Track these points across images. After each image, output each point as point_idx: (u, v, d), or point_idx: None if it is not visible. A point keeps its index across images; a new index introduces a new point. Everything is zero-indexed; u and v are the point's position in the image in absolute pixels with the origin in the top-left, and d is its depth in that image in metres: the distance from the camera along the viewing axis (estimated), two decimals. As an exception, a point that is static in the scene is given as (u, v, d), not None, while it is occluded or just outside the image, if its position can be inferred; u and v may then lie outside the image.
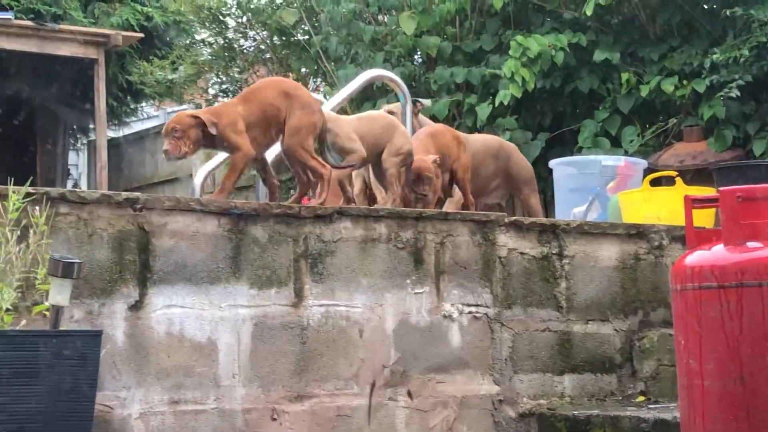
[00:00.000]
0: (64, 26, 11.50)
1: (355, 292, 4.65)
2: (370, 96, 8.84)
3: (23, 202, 2.98)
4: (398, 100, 6.10)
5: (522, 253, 5.07)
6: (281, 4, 10.43)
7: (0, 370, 2.62)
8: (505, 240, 5.03)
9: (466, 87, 8.59)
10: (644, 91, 7.84)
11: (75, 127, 14.69)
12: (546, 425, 4.86)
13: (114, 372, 4.11)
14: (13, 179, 3.59)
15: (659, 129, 8.03)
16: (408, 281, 4.77)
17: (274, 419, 4.44)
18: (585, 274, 5.22)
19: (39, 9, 12.19)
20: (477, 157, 6.15)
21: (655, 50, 8.14)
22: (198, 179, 5.90)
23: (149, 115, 17.27)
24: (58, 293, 2.81)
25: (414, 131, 6.12)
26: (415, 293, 4.79)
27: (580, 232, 5.23)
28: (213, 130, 4.71)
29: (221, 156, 6.34)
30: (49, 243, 3.49)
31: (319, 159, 4.96)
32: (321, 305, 4.58)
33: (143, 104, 14.78)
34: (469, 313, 4.91)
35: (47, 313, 2.90)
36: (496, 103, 7.98)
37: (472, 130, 8.34)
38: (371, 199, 5.76)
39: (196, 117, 4.73)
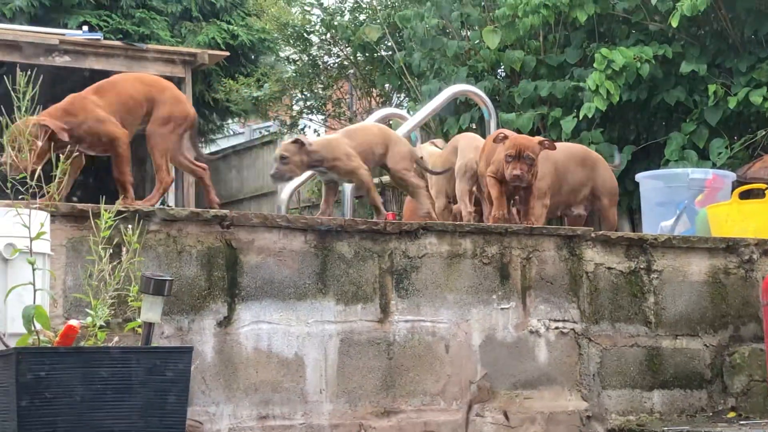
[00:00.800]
0: (151, 46, 11.71)
1: (441, 307, 4.65)
2: (453, 110, 8.84)
3: (115, 220, 3.03)
4: (482, 115, 6.11)
5: (609, 268, 5.03)
6: (365, 20, 10.49)
7: (94, 385, 2.67)
8: (592, 255, 5.00)
9: (550, 100, 8.55)
10: (732, 102, 7.73)
11: (163, 144, 14.89)
12: (635, 442, 4.81)
13: (203, 387, 4.16)
14: (104, 198, 3.66)
15: (748, 141, 7.91)
16: (494, 296, 4.76)
17: (361, 435, 4.45)
18: (674, 289, 5.16)
19: (127, 29, 12.42)
20: (560, 165, 6.02)
21: (742, 61, 8.03)
22: (284, 196, 5.95)
23: (235, 132, 17.48)
24: (150, 310, 2.86)
25: None
26: (501, 309, 4.77)
27: (669, 246, 5.17)
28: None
29: (307, 173, 6.38)
30: (141, 261, 3.54)
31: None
32: (407, 321, 4.58)
33: (229, 121, 14.97)
34: (556, 328, 4.87)
35: (139, 329, 2.95)
36: (581, 117, 7.93)
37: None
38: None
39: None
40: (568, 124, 8.09)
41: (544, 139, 5.32)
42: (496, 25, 8.53)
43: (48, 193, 3.03)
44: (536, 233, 4.90)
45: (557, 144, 6.42)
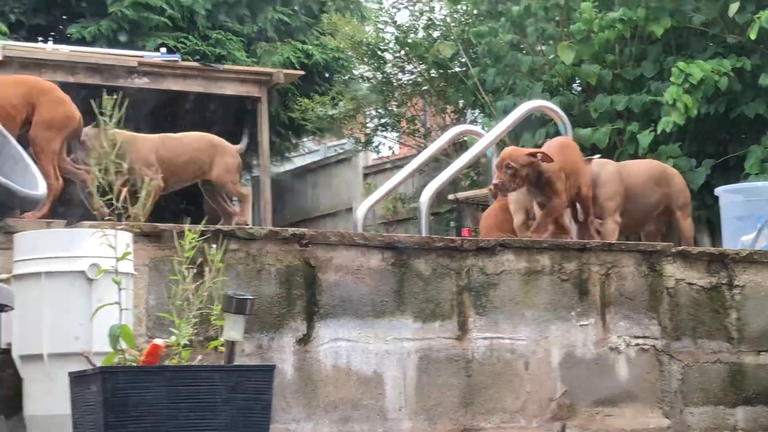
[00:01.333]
0: (227, 66, 11.83)
1: (519, 324, 4.63)
2: (528, 126, 8.81)
3: (199, 240, 3.08)
4: (557, 130, 6.08)
5: (690, 284, 4.98)
6: (438, 37, 10.51)
7: (179, 404, 2.71)
8: (672, 270, 4.95)
9: (627, 115, 8.49)
10: (813, 114, 7.63)
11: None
12: (718, 460, 4.75)
13: (284, 404, 4.19)
14: (189, 219, 3.71)
15: (829, 153, 7.79)
16: (573, 313, 4.73)
17: (441, 452, 4.45)
18: (756, 304, 5.09)
19: (204, 50, 12.58)
20: (639, 185, 6.01)
21: (823, 72, 7.91)
22: (360, 213, 5.97)
23: (310, 150, 17.59)
24: (233, 329, 2.89)
25: None
26: (581, 325, 4.74)
27: (750, 261, 5.10)
28: None
29: (383, 190, 6.41)
30: (225, 279, 3.59)
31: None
32: (485, 338, 4.57)
33: (304, 139, 15.07)
34: (636, 345, 4.83)
35: (221, 348, 2.99)
36: (658, 131, 7.86)
37: (634, 157, 8.22)
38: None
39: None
40: (645, 138, 8.03)
41: (537, 150, 5.29)
42: (572, 40, 8.49)
43: (132, 214, 3.09)
44: (615, 249, 4.87)
45: (634, 162, 6.38)
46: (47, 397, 3.60)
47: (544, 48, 9.27)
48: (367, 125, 12.19)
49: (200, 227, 3.86)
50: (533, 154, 5.17)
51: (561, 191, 5.24)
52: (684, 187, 6.37)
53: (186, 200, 13.48)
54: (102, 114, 3.27)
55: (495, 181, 5.18)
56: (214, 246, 3.11)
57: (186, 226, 3.71)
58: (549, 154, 5.18)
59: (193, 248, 3.03)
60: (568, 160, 5.39)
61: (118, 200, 3.19)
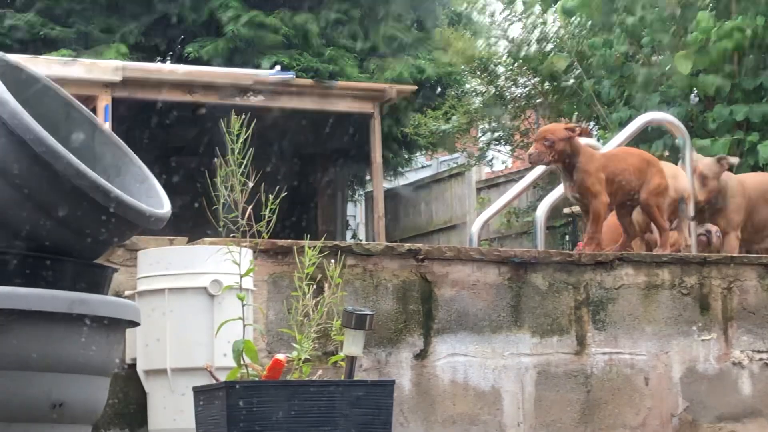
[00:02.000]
0: (341, 83, 11.95)
1: (639, 339, 4.58)
2: (645, 138, 8.70)
3: (319, 258, 3.11)
4: (674, 142, 5.99)
5: (815, 297, 4.86)
6: (552, 50, 10.45)
7: (302, 417, 2.74)
8: (796, 283, 4.84)
9: (746, 125, 8.32)
10: None
11: (353, 179, 15.17)
12: None
13: (401, 419, 4.20)
14: (294, 236, 3.75)
15: None
16: (694, 328, 4.66)
17: (560, 468, 4.41)
18: None
19: (317, 67, 12.71)
20: (754, 199, 5.91)
21: None
22: (475, 228, 5.96)
23: (423, 165, 17.63)
24: (352, 344, 2.92)
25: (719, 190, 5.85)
26: (702, 340, 4.66)
27: None
28: None
29: (498, 204, 6.39)
30: (344, 295, 3.63)
31: None
32: (604, 353, 4.53)
33: (417, 154, 15.11)
34: (760, 359, 4.73)
35: (341, 363, 3.02)
36: (779, 141, 7.70)
37: (755, 169, 8.06)
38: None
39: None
40: (766, 148, 7.86)
41: (575, 125, 5.07)
42: (689, 50, 8.36)
43: (257, 231, 3.14)
44: (737, 262, 4.78)
45: (749, 175, 6.25)
46: (171, 412, 3.67)
47: (659, 59, 9.15)
48: (480, 139, 12.17)
49: (320, 243, 3.91)
50: (571, 129, 5.00)
51: (599, 191, 4.92)
52: None
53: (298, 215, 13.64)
54: (229, 134, 3.33)
55: (530, 150, 5.01)
56: (333, 261, 3.13)
57: (305, 242, 3.75)
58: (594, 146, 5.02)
59: (313, 264, 3.07)
60: (618, 164, 5.12)
61: (243, 217, 3.25)
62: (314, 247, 3.16)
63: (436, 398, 4.28)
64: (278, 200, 3.08)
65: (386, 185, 15.07)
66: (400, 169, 15.06)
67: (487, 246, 12.10)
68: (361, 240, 16.01)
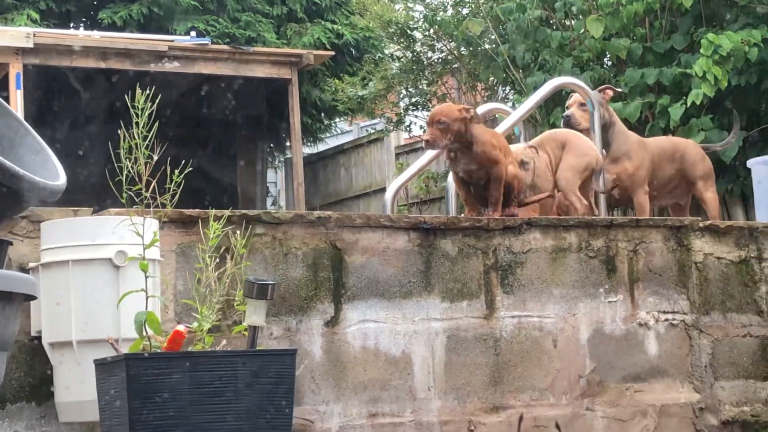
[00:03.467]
0: (258, 48, 11.86)
1: (547, 302, 4.64)
2: (559, 102, 8.78)
3: (227, 228, 3.11)
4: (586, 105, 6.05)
5: (719, 258, 4.96)
6: (467, 15, 10.47)
7: (202, 389, 2.74)
8: (701, 245, 4.93)
9: (658, 88, 8.42)
10: None
11: (272, 145, 15.11)
12: (750, 433, 4.74)
13: (313, 387, 4.22)
14: (214, 203, 3.74)
15: None
16: (601, 290, 4.73)
17: (471, 431, 4.46)
18: (786, 277, 5.07)
19: (234, 33, 12.60)
20: (655, 162, 6.11)
21: None
22: (388, 194, 5.98)
23: (343, 131, 17.61)
24: (254, 314, 2.92)
25: (605, 123, 6.04)
26: (609, 302, 4.74)
27: (780, 233, 5.08)
28: None
29: (413, 168, 6.41)
30: (248, 265, 3.62)
31: None
32: (513, 316, 4.58)
33: (336, 120, 15.08)
34: (665, 320, 4.82)
35: (245, 332, 3.02)
36: (689, 103, 7.80)
37: (665, 131, 8.17)
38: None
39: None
40: (677, 111, 7.96)
41: (464, 106, 4.91)
42: (600, 13, 8.43)
43: (162, 203, 3.13)
44: (643, 225, 4.85)
45: (652, 139, 6.40)
46: (76, 384, 3.64)
47: (573, 23, 9.22)
48: (398, 105, 12.18)
49: (227, 213, 3.89)
50: (465, 110, 4.87)
51: (499, 158, 4.84)
52: (701, 158, 6.39)
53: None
54: (133, 107, 3.31)
55: (425, 137, 4.96)
56: (238, 232, 3.13)
57: (212, 212, 3.74)
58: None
59: (217, 236, 3.06)
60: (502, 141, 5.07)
61: (147, 189, 3.23)
62: (220, 218, 3.15)
63: (347, 365, 4.30)
64: (184, 173, 3.06)
65: (306, 151, 15.04)
66: (320, 135, 15.03)
67: (406, 211, 12.15)
68: (281, 206, 15.97)
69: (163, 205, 3.10)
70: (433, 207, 12.26)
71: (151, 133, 3.25)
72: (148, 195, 3.27)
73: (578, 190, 5.51)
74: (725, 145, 7.50)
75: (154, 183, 3.27)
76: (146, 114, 3.25)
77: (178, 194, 3.32)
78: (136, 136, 3.25)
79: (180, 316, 3.98)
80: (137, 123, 3.24)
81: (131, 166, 3.22)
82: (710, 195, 6.37)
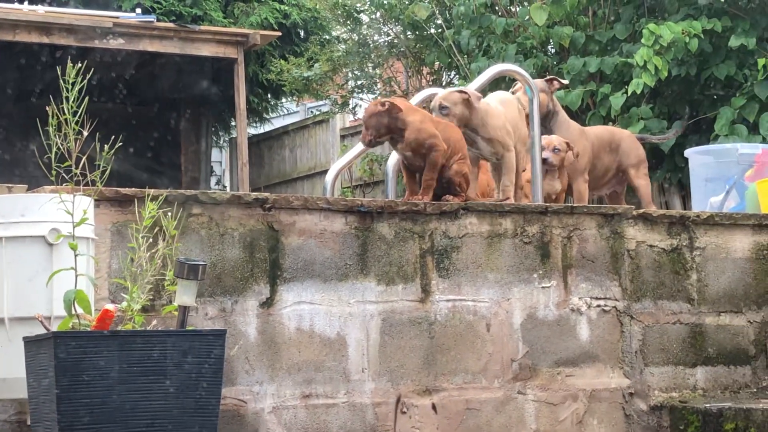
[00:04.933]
0: (204, 27, 11.82)
1: (482, 287, 4.69)
2: (502, 88, 8.83)
3: (166, 208, 3.12)
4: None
5: (651, 246, 5.04)
6: (414, -1, 10.49)
7: (130, 368, 2.76)
8: (634, 233, 5.00)
9: (599, 77, 8.51)
10: (783, 76, 7.66)
11: (217, 125, 15.06)
12: (678, 418, 4.82)
13: (247, 367, 4.24)
14: (156, 182, 3.74)
15: (799, 114, 7.83)
16: (535, 275, 4.79)
17: (404, 412, 4.51)
18: (716, 266, 5.16)
19: (180, 11, 12.53)
20: (594, 151, 6.22)
21: (793, 34, 7.94)
22: (329, 176, 5.99)
23: (289, 111, 17.57)
24: (185, 294, 2.93)
25: (549, 112, 6.13)
26: (542, 287, 4.80)
27: (711, 223, 5.16)
28: None
29: (354, 152, 6.43)
30: (179, 246, 3.62)
31: None
32: (448, 300, 4.63)
33: (282, 101, 15.05)
34: (598, 306, 4.89)
35: (175, 312, 3.03)
36: (629, 93, 7.90)
37: (606, 119, 8.27)
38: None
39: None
40: (618, 100, 8.06)
41: (391, 100, 4.90)
42: (544, 1, 8.50)
43: (92, 180, 3.12)
44: (577, 212, 4.91)
45: (591, 128, 6.52)
46: (8, 361, 3.62)
47: (518, 9, 9.28)
48: (344, 87, 12.18)
49: (165, 193, 3.89)
50: (383, 104, 4.85)
51: (433, 144, 4.81)
52: (635, 146, 6.49)
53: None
54: (64, 81, 3.29)
55: (361, 139, 4.93)
56: (170, 214, 3.14)
57: (148, 191, 3.74)
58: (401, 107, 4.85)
59: (152, 217, 3.07)
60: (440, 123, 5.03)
61: (77, 166, 3.22)
62: (156, 197, 3.16)
63: (281, 346, 4.33)
64: (113, 150, 3.06)
65: (252, 131, 15.00)
66: (266, 115, 15.00)
67: (350, 193, 12.18)
68: (225, 186, 15.92)
69: (93, 183, 3.10)
70: (376, 190, 12.29)
71: (82, 108, 3.24)
72: (77, 172, 3.26)
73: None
74: (663, 139, 7.62)
75: (84, 159, 3.26)
76: (76, 89, 3.23)
77: (108, 171, 3.32)
78: (66, 112, 3.24)
79: (114, 295, 3.97)
80: (67, 98, 3.22)
81: (61, 143, 3.21)
82: (642, 182, 6.47)
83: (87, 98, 3.19)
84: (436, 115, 5.15)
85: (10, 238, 3.68)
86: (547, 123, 6.13)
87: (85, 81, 3.35)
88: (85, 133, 3.24)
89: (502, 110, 5.42)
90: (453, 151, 4.90)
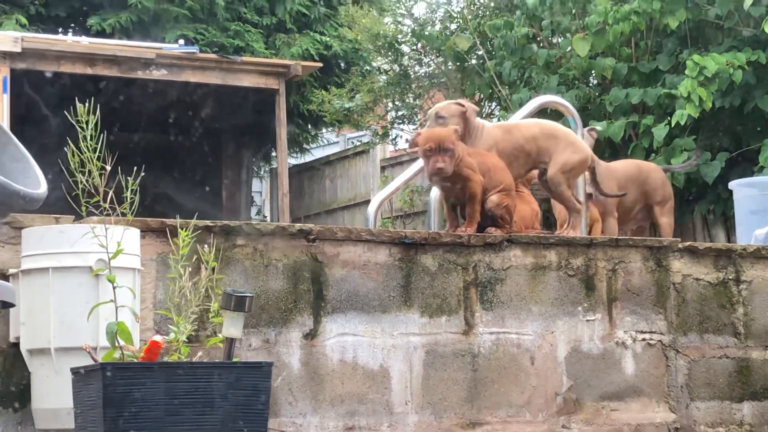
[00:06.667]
0: (246, 58, 11.89)
1: (526, 319, 4.66)
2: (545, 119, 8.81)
3: (193, 238, 3.12)
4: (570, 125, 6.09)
5: (697, 279, 4.99)
6: (455, 30, 10.51)
7: (177, 399, 2.76)
8: (679, 266, 4.96)
9: (642, 108, 8.48)
10: (827, 107, 7.59)
11: (258, 155, 15.12)
12: (724, 454, 4.76)
13: (290, 399, 4.23)
14: (198, 212, 3.75)
15: (844, 146, 7.75)
16: (579, 308, 4.76)
17: (447, 446, 4.48)
18: (763, 300, 5.10)
19: (222, 42, 12.62)
20: (620, 186, 6.13)
21: (838, 65, 7.87)
22: (371, 208, 6.00)
23: (329, 142, 17.63)
24: (231, 326, 2.93)
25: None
26: (587, 320, 4.76)
27: (758, 256, 5.11)
28: None
29: (396, 183, 6.44)
30: (221, 278, 3.62)
31: None
32: (491, 333, 4.60)
33: (323, 131, 15.10)
34: (643, 340, 4.85)
35: (221, 344, 3.03)
36: (673, 124, 7.85)
37: (648, 151, 8.22)
38: None
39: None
40: (660, 131, 8.02)
41: (457, 128, 4.87)
42: (587, 32, 8.49)
43: (121, 212, 3.13)
44: (622, 245, 4.88)
45: (615, 163, 6.44)
46: (54, 391, 3.65)
47: (560, 41, 9.27)
48: (385, 117, 12.21)
49: (207, 223, 3.91)
50: (456, 132, 4.82)
51: (470, 176, 4.80)
52: (662, 183, 6.42)
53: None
54: (78, 123, 3.30)
55: (439, 165, 4.76)
56: (206, 246, 3.14)
57: (193, 222, 3.75)
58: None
59: (187, 245, 3.07)
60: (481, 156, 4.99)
61: (105, 200, 3.23)
62: (188, 227, 3.16)
63: (324, 377, 4.32)
64: (137, 180, 3.07)
65: (292, 161, 15.06)
66: (306, 145, 15.05)
67: (390, 224, 12.17)
68: (266, 216, 15.97)
69: (123, 215, 3.11)
70: (417, 220, 12.28)
71: (100, 144, 3.24)
72: (107, 206, 3.26)
73: None
74: (685, 167, 7.55)
75: (111, 193, 3.26)
76: (91, 126, 3.23)
77: (136, 202, 3.32)
78: (86, 150, 3.24)
79: (159, 325, 3.99)
80: (84, 137, 3.22)
81: (87, 180, 3.21)
82: (666, 220, 6.38)
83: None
84: (430, 124, 5.10)
85: (57, 268, 3.71)
86: None
87: (98, 117, 3.35)
88: (108, 168, 3.23)
89: (494, 136, 5.14)
90: (491, 182, 4.87)
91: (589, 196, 5.69)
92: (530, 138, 5.11)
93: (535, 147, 5.10)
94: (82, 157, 3.04)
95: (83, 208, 3.09)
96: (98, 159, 3.09)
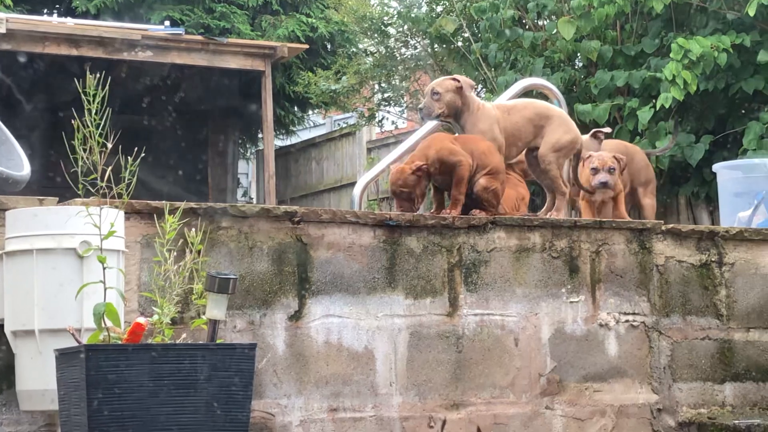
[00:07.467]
0: (232, 40, 11.87)
1: (510, 301, 4.68)
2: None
3: (180, 223, 3.12)
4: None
5: (680, 261, 5.02)
6: (441, 12, 10.51)
7: (161, 381, 2.77)
8: (662, 248, 4.99)
9: (627, 91, 8.50)
10: (812, 90, 7.63)
11: (244, 137, 15.11)
12: (706, 435, 4.80)
13: (275, 380, 4.25)
14: (184, 194, 3.75)
15: (828, 129, 7.79)
16: (563, 290, 4.78)
17: (431, 427, 4.50)
18: (746, 282, 5.13)
19: (208, 23, 12.59)
20: None
21: (822, 49, 7.90)
22: (356, 190, 6.01)
23: (316, 124, 17.61)
24: (215, 308, 2.94)
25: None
26: (571, 302, 4.79)
27: (740, 239, 5.14)
28: None
29: (381, 165, 6.44)
30: (206, 260, 3.63)
31: None
32: (475, 314, 4.62)
33: (309, 113, 15.08)
34: (626, 321, 4.88)
35: (205, 326, 3.04)
36: (658, 107, 7.88)
37: (633, 133, 8.25)
38: None
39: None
40: (645, 114, 8.05)
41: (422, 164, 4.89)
42: (572, 15, 8.50)
43: (117, 193, 3.13)
44: (606, 227, 4.90)
45: (606, 142, 6.42)
46: (38, 373, 3.65)
47: (545, 23, 9.28)
48: (371, 100, 12.21)
49: (192, 204, 3.91)
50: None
51: (456, 161, 4.84)
52: (646, 165, 6.41)
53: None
54: (85, 94, 3.29)
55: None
56: (194, 229, 3.15)
57: (178, 204, 3.75)
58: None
59: (174, 230, 3.08)
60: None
61: (102, 179, 3.23)
62: (184, 210, 3.17)
63: (309, 359, 4.33)
64: (137, 162, 3.07)
65: (278, 143, 15.05)
66: (292, 127, 15.04)
67: (376, 206, 12.18)
68: (252, 198, 15.97)
69: (119, 195, 3.11)
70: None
71: (104, 120, 3.24)
72: (104, 185, 3.26)
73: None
74: (663, 150, 7.56)
75: (109, 172, 3.26)
76: (98, 100, 3.23)
77: (134, 183, 3.32)
78: (90, 124, 3.23)
79: (143, 307, 3.99)
80: (89, 110, 3.22)
81: (86, 156, 3.21)
82: (648, 201, 6.37)
83: (110, 110, 3.20)
84: (427, 101, 5.10)
85: (41, 250, 3.70)
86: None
87: (105, 93, 3.35)
88: (110, 146, 3.24)
89: (495, 115, 5.17)
90: (479, 165, 4.89)
91: (604, 185, 5.61)
92: (528, 118, 5.13)
93: (532, 127, 5.12)
94: (84, 132, 3.02)
95: (81, 186, 3.09)
96: (100, 136, 3.08)
